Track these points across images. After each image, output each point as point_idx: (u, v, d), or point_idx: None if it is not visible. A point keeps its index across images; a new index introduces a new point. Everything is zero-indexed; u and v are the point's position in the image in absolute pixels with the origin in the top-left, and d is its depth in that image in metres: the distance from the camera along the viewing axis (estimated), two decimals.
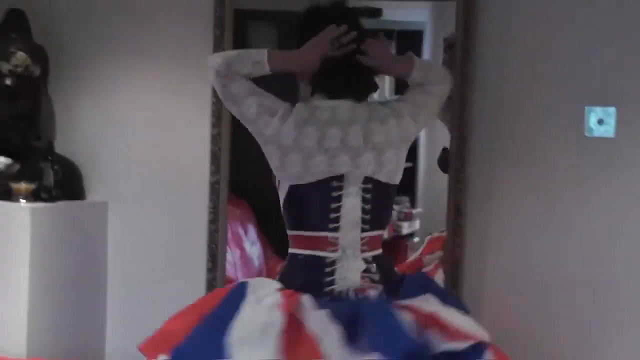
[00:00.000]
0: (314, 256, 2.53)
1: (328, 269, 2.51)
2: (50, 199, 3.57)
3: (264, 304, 2.39)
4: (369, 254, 2.54)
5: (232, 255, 3.58)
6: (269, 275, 2.98)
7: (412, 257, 3.64)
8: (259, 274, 3.61)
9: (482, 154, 3.29)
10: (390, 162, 2.56)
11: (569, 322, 3.28)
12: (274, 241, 3.50)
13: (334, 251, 2.52)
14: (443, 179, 3.34)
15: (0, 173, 3.60)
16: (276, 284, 2.50)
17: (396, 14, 3.62)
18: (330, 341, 2.27)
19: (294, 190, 2.53)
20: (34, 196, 3.53)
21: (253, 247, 3.67)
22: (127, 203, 3.71)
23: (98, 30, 3.78)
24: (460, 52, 3.22)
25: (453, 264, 3.29)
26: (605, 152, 3.17)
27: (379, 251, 2.58)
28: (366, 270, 2.52)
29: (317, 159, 2.50)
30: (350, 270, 2.52)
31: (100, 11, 3.77)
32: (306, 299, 2.40)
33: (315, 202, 2.54)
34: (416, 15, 3.59)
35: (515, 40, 3.26)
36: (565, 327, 3.27)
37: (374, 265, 2.55)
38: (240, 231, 3.69)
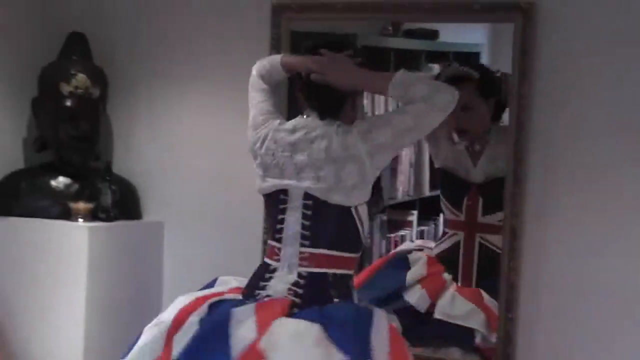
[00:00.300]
0: (265, 263, 2.75)
1: (267, 276, 2.69)
2: (108, 218, 3.62)
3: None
4: (305, 270, 2.64)
5: None
6: None
7: None
8: None
9: (539, 178, 3.21)
10: (326, 179, 2.60)
11: (629, 349, 3.17)
12: None
13: (277, 260, 2.70)
14: None
15: (59, 193, 3.69)
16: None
17: (452, 36, 3.63)
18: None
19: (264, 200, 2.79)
20: (91, 216, 3.59)
21: None
22: (183, 223, 3.74)
23: (156, 53, 3.82)
24: (517, 75, 3.16)
25: (509, 288, 3.20)
26: None
27: (325, 270, 2.64)
28: (295, 284, 2.63)
29: (272, 172, 2.70)
30: (282, 281, 2.66)
31: (158, 34, 3.80)
32: (205, 306, 2.66)
33: (271, 214, 2.79)
34: (473, 37, 3.56)
35: (577, 63, 3.17)
36: (625, 354, 3.16)
37: (305, 281, 2.63)
38: None
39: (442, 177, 3.51)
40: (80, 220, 3.56)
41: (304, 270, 2.66)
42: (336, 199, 2.63)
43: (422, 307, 3.34)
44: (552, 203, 3.20)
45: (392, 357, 2.52)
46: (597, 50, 3.13)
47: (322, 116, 2.68)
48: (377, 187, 2.75)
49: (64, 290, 3.50)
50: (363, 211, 2.69)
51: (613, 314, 3.14)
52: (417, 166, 3.79)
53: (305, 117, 2.72)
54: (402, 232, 3.76)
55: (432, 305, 3.33)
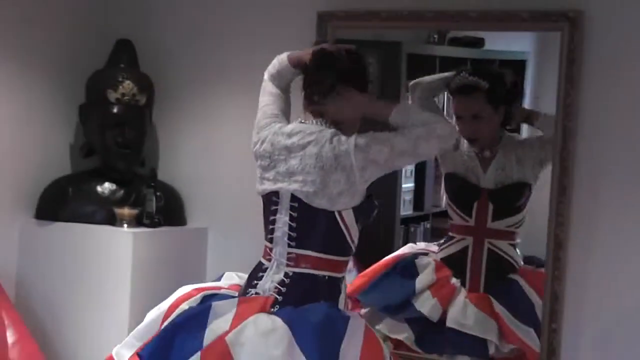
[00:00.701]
0: (260, 262, 2.79)
1: (260, 274, 2.75)
2: (152, 224, 3.64)
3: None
4: (292, 270, 2.69)
5: None
6: None
7: None
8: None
9: (585, 187, 3.18)
10: (313, 184, 2.63)
11: None
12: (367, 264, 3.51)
13: (268, 260, 2.76)
14: (545, 210, 3.22)
15: (104, 198, 3.72)
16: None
17: (498, 44, 3.62)
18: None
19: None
20: (136, 221, 3.62)
21: (349, 275, 3.57)
22: (227, 229, 3.72)
23: (201, 61, 3.83)
24: (563, 84, 3.14)
25: (552, 298, 3.19)
26: None
27: (311, 271, 2.68)
28: (280, 283, 2.69)
29: (268, 174, 2.74)
30: (270, 279, 2.73)
31: (204, 42, 3.82)
32: (199, 297, 2.79)
33: (265, 215, 2.79)
34: (519, 45, 3.55)
35: (625, 71, 3.15)
36: None
37: (290, 280, 2.69)
38: None
39: (450, 183, 3.48)
40: (125, 225, 3.58)
41: (291, 270, 2.70)
42: (320, 203, 2.66)
43: (435, 316, 3.33)
44: (598, 212, 3.18)
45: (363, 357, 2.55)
46: None
47: (320, 100, 2.72)
48: (369, 197, 2.74)
49: (108, 295, 3.53)
50: (348, 217, 2.68)
51: None
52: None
53: (303, 121, 2.74)
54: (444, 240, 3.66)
55: (444, 313, 3.33)
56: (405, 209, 3.72)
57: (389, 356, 2.71)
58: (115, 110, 3.70)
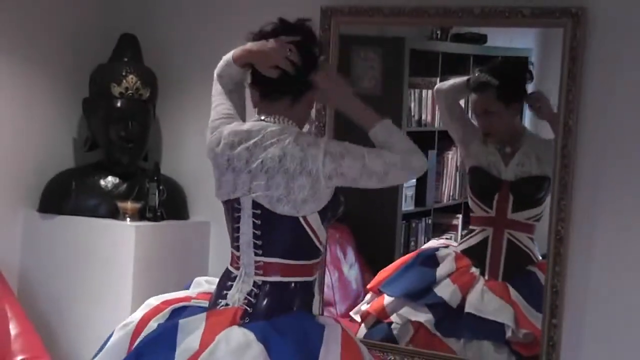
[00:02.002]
0: (227, 270, 2.66)
1: (229, 284, 2.62)
2: (155, 218, 3.63)
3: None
4: (260, 278, 2.57)
5: (330, 278, 3.58)
6: None
7: None
8: (356, 297, 3.65)
9: (586, 184, 3.18)
10: (276, 189, 2.50)
11: None
12: (372, 264, 3.51)
13: (237, 269, 2.63)
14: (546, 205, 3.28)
15: (108, 192, 3.73)
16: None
17: (501, 40, 3.62)
18: None
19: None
20: (139, 215, 3.61)
21: (351, 270, 3.68)
22: None
23: (205, 56, 3.68)
24: (565, 80, 3.13)
25: (552, 293, 3.18)
26: None
27: (280, 279, 2.57)
28: (249, 294, 2.56)
29: (226, 177, 2.59)
30: (240, 289, 2.59)
31: (208, 37, 3.79)
32: (167, 311, 2.65)
33: (228, 220, 2.67)
34: (521, 42, 3.55)
35: (628, 69, 3.14)
36: None
37: (259, 290, 2.57)
38: (339, 254, 3.68)
39: (473, 176, 3.53)
40: (128, 219, 3.58)
41: (259, 279, 2.59)
42: (283, 209, 2.53)
43: (454, 302, 3.37)
44: (599, 209, 3.17)
45: None
46: None
47: (275, 99, 2.57)
48: (334, 196, 2.61)
49: (111, 288, 3.54)
50: (314, 220, 2.56)
51: None
52: (462, 170, 3.77)
53: (261, 118, 2.60)
54: (446, 236, 3.75)
55: (463, 299, 3.37)
56: (407, 205, 3.71)
57: (369, 358, 2.66)
58: (118, 104, 3.70)
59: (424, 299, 3.43)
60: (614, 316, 3.16)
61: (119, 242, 3.57)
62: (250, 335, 2.45)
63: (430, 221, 3.76)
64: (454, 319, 3.37)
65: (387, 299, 3.49)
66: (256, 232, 2.57)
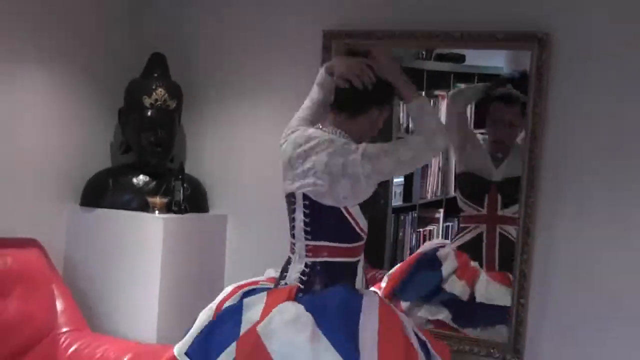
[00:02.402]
0: (288, 256, 2.80)
1: (288, 267, 2.77)
2: (180, 211, 3.66)
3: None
4: (311, 259, 2.70)
5: None
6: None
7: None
8: None
9: (550, 184, 3.20)
10: (322, 187, 2.62)
11: (626, 337, 3.13)
12: (366, 252, 3.32)
13: (293, 253, 2.77)
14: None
15: (139, 189, 3.75)
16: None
17: (477, 60, 3.58)
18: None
19: None
20: (166, 209, 3.64)
21: None
22: (244, 216, 3.73)
23: (224, 71, 3.85)
24: (532, 94, 3.17)
25: (521, 277, 3.23)
26: None
27: (326, 259, 2.69)
28: (302, 273, 2.70)
29: (288, 174, 2.73)
30: (294, 269, 2.74)
31: (226, 55, 3.83)
32: (239, 294, 2.76)
33: (288, 213, 2.78)
34: (493, 61, 3.53)
35: (586, 86, 3.15)
36: (622, 341, 3.12)
37: (310, 269, 2.69)
38: None
39: (463, 179, 3.53)
40: (157, 212, 3.61)
41: (310, 260, 2.71)
42: (327, 201, 2.66)
43: (465, 295, 3.37)
44: (562, 205, 3.19)
45: (380, 336, 2.54)
46: (604, 74, 3.12)
47: (339, 111, 2.69)
48: (375, 192, 2.73)
49: (142, 271, 3.58)
50: (354, 210, 2.68)
51: (611, 302, 3.12)
52: (444, 170, 3.78)
53: (321, 128, 2.74)
54: (429, 227, 3.75)
55: (471, 292, 3.38)
56: (396, 200, 3.71)
57: (410, 326, 2.70)
58: (149, 113, 3.71)
59: (438, 297, 3.43)
60: (573, 296, 3.18)
61: (148, 232, 3.59)
62: (300, 308, 2.58)
63: (415, 215, 3.74)
64: (467, 311, 3.38)
65: (404, 304, 3.48)
66: (306, 219, 2.69)
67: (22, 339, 3.29)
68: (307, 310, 2.57)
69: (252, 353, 2.52)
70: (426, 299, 3.45)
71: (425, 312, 3.44)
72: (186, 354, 2.67)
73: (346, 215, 2.68)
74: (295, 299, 2.65)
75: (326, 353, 2.48)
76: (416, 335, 2.72)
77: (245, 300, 2.71)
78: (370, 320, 2.58)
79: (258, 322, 2.57)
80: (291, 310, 2.58)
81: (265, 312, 2.60)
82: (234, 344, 2.56)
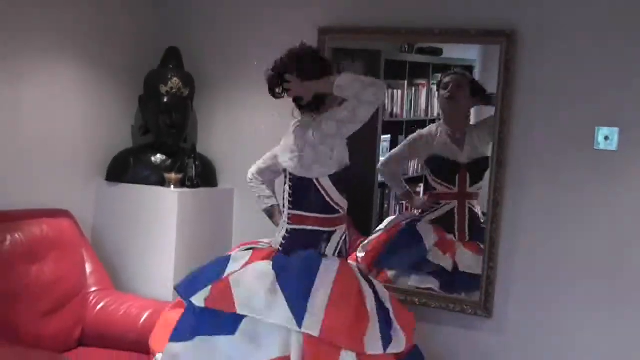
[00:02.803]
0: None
1: (277, 232, 2.85)
2: (192, 186, 3.69)
3: None
4: (291, 227, 2.76)
5: None
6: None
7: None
8: None
9: (517, 162, 3.23)
10: (295, 159, 2.73)
11: (580, 292, 3.15)
12: (356, 223, 3.45)
13: (282, 220, 2.84)
14: (485, 179, 3.34)
15: (157, 166, 3.78)
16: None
17: (453, 53, 3.61)
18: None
19: None
20: (180, 184, 3.66)
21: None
22: (248, 190, 3.31)
23: (230, 62, 3.86)
24: (502, 84, 3.19)
25: (490, 243, 3.28)
26: (610, 161, 3.09)
27: (303, 227, 2.74)
28: (283, 237, 2.77)
29: (285, 155, 2.81)
30: (279, 235, 2.81)
31: (232, 49, 3.84)
32: (241, 248, 2.84)
33: (282, 186, 2.86)
34: (468, 54, 3.55)
35: (548, 76, 3.17)
36: (582, 296, 3.15)
37: (289, 235, 2.75)
38: None
39: (435, 163, 3.53)
40: (172, 187, 3.63)
41: (290, 227, 2.76)
42: (301, 172, 2.72)
43: (449, 266, 3.39)
44: (527, 180, 3.21)
45: (331, 299, 2.53)
46: (563, 65, 3.14)
47: (311, 115, 2.77)
48: (347, 168, 2.76)
49: (159, 238, 3.62)
50: (325, 182, 2.71)
51: (569, 264, 3.17)
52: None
53: (300, 116, 2.83)
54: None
55: (454, 263, 3.40)
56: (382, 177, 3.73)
57: (377, 294, 2.67)
58: (165, 100, 3.72)
59: (425, 268, 3.43)
60: (534, 259, 3.24)
61: (165, 204, 3.62)
62: (269, 265, 2.66)
63: None
64: (452, 280, 3.39)
65: (390, 272, 3.49)
66: (290, 191, 2.76)
67: (57, 297, 3.29)
68: (273, 269, 2.63)
69: (221, 294, 2.59)
70: (413, 269, 3.47)
71: (414, 281, 3.46)
72: (175, 287, 2.80)
73: (319, 187, 2.71)
74: (272, 258, 2.71)
75: (278, 305, 2.52)
76: (382, 303, 2.69)
77: (233, 254, 2.80)
78: (324, 283, 2.58)
79: (234, 272, 2.65)
80: (262, 266, 2.65)
81: (244, 266, 2.69)
82: (210, 286, 2.64)
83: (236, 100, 3.86)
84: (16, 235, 3.21)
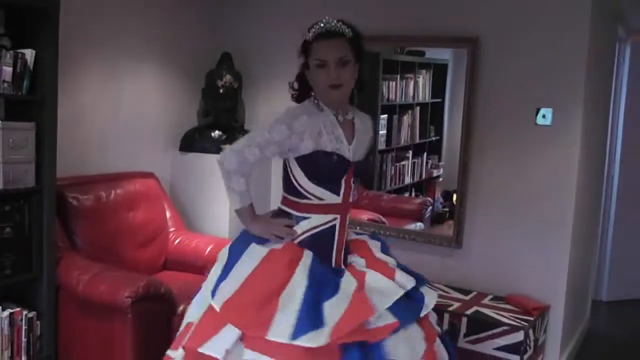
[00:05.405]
0: None
1: None
2: None
3: None
4: (279, 205, 2.29)
5: None
6: None
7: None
8: None
9: (479, 137, 3.34)
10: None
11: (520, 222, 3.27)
12: (363, 178, 3.51)
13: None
14: (457, 147, 3.40)
15: (215, 140, 3.89)
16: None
17: (432, 54, 3.72)
18: None
19: None
20: None
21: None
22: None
23: (269, 63, 4.01)
24: (469, 79, 3.28)
25: (461, 195, 3.41)
26: (546, 134, 3.20)
27: (284, 207, 2.24)
28: (273, 215, 2.28)
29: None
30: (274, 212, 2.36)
31: (270, 53, 3.98)
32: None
33: None
34: (444, 55, 3.65)
35: (499, 70, 3.26)
36: (526, 232, 3.27)
37: (276, 213, 2.28)
38: None
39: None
40: None
41: (279, 205, 2.31)
42: (279, 154, 2.23)
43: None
44: (487, 147, 3.36)
45: (245, 281, 2.10)
46: (514, 63, 3.22)
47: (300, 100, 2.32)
48: (317, 152, 2.16)
49: (218, 194, 3.44)
50: (294, 167, 2.19)
51: (517, 207, 3.31)
52: (412, 126, 3.91)
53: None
54: (402, 163, 3.86)
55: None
56: (381, 145, 3.76)
57: (300, 274, 2.11)
58: (221, 91, 3.88)
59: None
60: (493, 204, 3.35)
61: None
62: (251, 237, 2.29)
63: (394, 155, 3.87)
64: None
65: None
66: (282, 175, 2.32)
67: (147, 234, 3.46)
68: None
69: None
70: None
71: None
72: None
73: (288, 168, 2.23)
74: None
75: (220, 265, 2.23)
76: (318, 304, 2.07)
77: (248, 249, 2.26)
78: (246, 264, 2.15)
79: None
80: (245, 237, 2.30)
81: (264, 272, 2.23)
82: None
83: (274, 91, 3.98)
84: (118, 191, 3.40)
